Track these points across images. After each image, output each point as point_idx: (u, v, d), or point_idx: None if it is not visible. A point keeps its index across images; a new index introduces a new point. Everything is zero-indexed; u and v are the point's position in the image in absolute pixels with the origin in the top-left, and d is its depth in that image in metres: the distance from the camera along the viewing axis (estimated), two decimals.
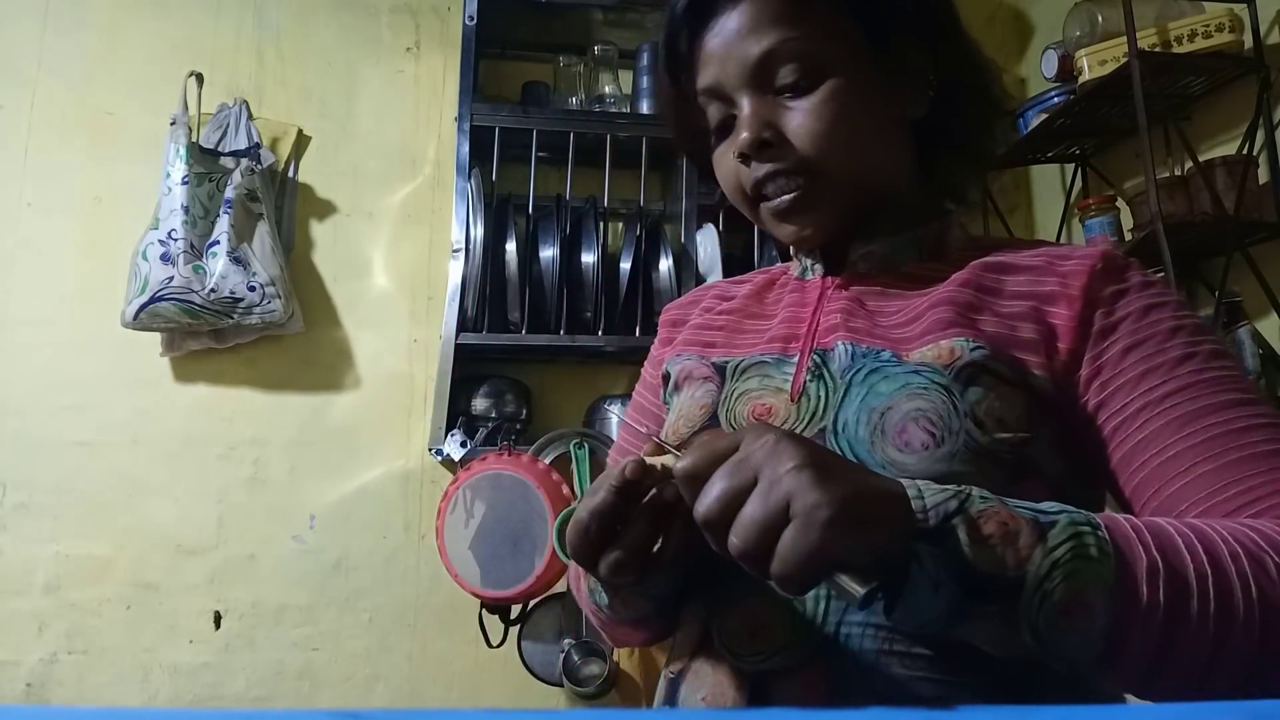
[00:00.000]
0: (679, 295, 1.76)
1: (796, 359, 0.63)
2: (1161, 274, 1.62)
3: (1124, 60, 1.43)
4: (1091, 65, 1.53)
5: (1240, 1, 1.45)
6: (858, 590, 0.42)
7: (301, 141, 1.93)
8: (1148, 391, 0.55)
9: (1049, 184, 2.04)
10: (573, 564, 0.68)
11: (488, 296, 1.72)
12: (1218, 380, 0.54)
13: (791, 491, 0.42)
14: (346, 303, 1.91)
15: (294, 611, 1.78)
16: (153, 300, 1.67)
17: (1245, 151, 1.42)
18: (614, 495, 0.50)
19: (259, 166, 1.81)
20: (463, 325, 1.71)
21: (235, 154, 1.81)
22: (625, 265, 1.75)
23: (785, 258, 0.77)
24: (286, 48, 1.96)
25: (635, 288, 1.72)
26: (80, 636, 1.73)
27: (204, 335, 1.79)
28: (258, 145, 1.84)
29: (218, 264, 1.71)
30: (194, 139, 1.78)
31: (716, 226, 1.76)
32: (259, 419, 1.84)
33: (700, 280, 1.76)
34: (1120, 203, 1.61)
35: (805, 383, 0.61)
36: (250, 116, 1.87)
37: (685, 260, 1.77)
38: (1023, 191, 2.12)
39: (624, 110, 1.85)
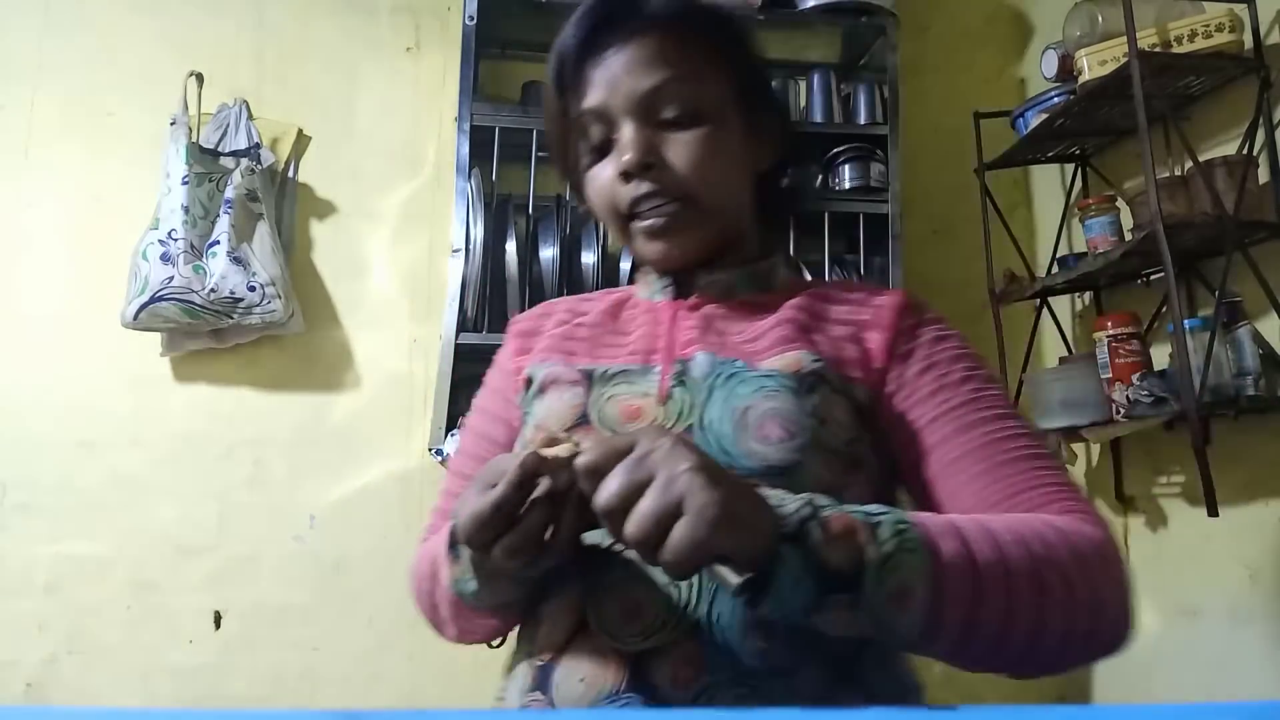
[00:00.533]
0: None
1: (659, 368, 0.71)
2: (1161, 274, 1.62)
3: (1124, 60, 1.43)
4: (1091, 65, 1.53)
5: (1240, 1, 1.45)
6: (735, 580, 0.50)
7: (301, 141, 1.93)
8: (939, 405, 0.68)
9: (1049, 184, 2.04)
10: (424, 558, 0.74)
11: (488, 296, 1.71)
12: (990, 399, 0.68)
13: (685, 490, 0.50)
14: (346, 303, 1.91)
15: (294, 611, 1.78)
16: (153, 300, 1.67)
17: (1245, 151, 1.42)
18: (513, 489, 0.55)
19: (259, 166, 1.81)
20: (463, 325, 1.71)
21: (235, 154, 1.81)
22: (625, 265, 1.75)
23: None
24: (286, 48, 1.96)
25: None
26: (80, 636, 1.73)
27: (204, 335, 1.79)
28: (258, 145, 1.84)
29: (218, 264, 1.71)
30: (194, 139, 1.78)
31: None
32: (259, 419, 1.84)
33: None
34: (1120, 203, 1.61)
35: (671, 388, 0.69)
36: (250, 116, 1.87)
37: None
38: (1022, 191, 2.12)
39: None
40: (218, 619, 1.77)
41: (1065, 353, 1.85)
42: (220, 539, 1.79)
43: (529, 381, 0.76)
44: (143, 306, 1.67)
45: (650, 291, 0.81)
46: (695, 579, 0.60)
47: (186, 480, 1.80)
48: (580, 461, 0.54)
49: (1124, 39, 1.41)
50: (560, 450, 0.56)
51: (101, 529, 1.76)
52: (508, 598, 0.65)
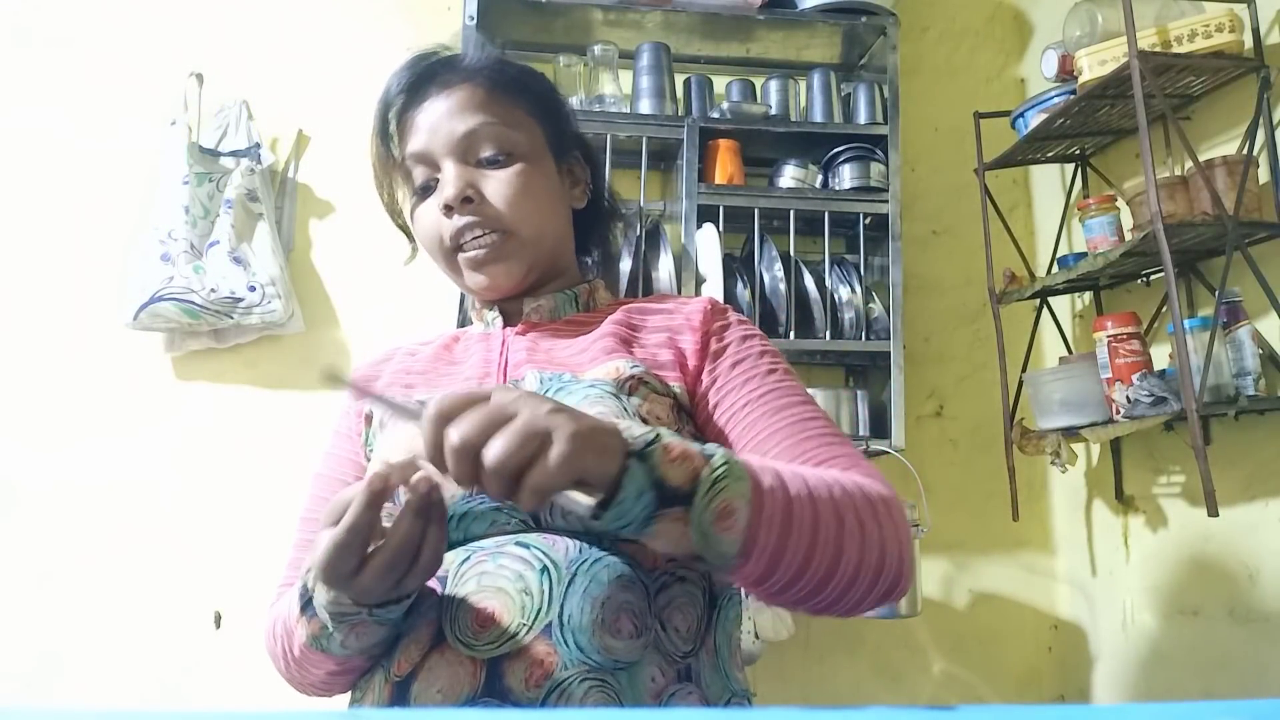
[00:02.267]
0: (679, 295, 1.76)
1: None
2: (1161, 273, 1.62)
3: (1124, 60, 1.43)
4: (1091, 65, 1.53)
5: (1240, 1, 1.45)
6: (586, 505, 0.55)
7: (301, 141, 1.93)
8: (749, 393, 0.77)
9: (1049, 184, 2.04)
10: (278, 621, 0.76)
11: None
12: (790, 387, 0.78)
13: (554, 424, 0.53)
14: (346, 303, 1.91)
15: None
16: (153, 300, 1.67)
17: (1245, 151, 1.41)
18: (367, 509, 0.57)
19: (259, 166, 1.81)
20: (463, 325, 1.71)
21: (235, 154, 1.81)
22: (625, 265, 1.75)
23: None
24: (286, 48, 1.96)
25: (635, 288, 1.73)
26: (80, 636, 1.73)
27: (204, 335, 1.79)
28: (258, 145, 1.84)
29: (218, 264, 1.71)
30: (194, 139, 1.78)
31: (716, 226, 1.76)
32: (259, 419, 1.84)
33: (700, 281, 1.76)
34: (1120, 203, 1.61)
35: None
36: (250, 116, 1.87)
37: (685, 260, 1.77)
38: (1022, 191, 2.12)
39: (624, 110, 1.85)
40: (218, 619, 1.77)
41: (1065, 353, 1.85)
42: (220, 539, 1.79)
43: (369, 419, 0.82)
44: (142, 306, 1.67)
45: (483, 325, 0.88)
46: (544, 584, 0.65)
47: (186, 480, 1.80)
48: (431, 408, 0.53)
49: (1124, 39, 1.41)
50: (403, 462, 0.58)
51: (102, 529, 1.76)
52: (368, 642, 0.67)
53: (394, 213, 0.89)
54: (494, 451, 0.51)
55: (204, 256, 1.72)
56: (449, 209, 0.78)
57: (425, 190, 0.81)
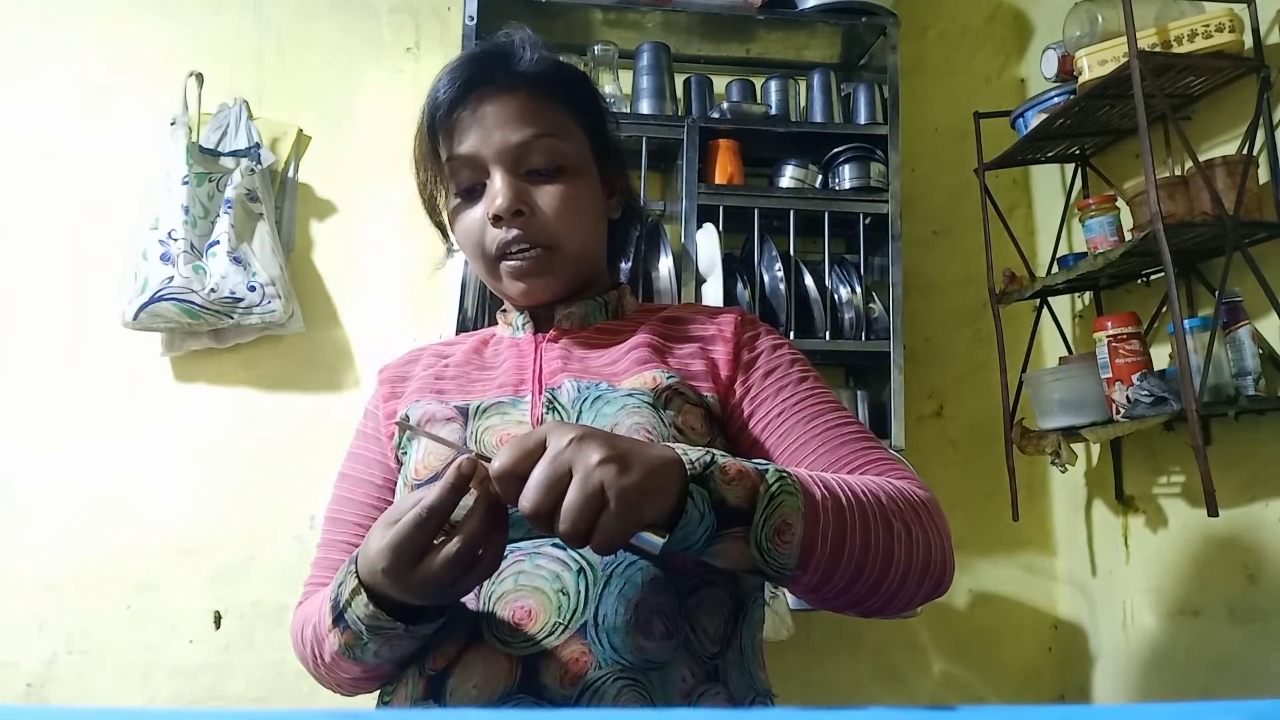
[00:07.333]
0: (679, 296, 1.76)
1: (529, 398, 0.78)
2: (1161, 273, 1.62)
3: (1124, 60, 1.43)
4: (1091, 65, 1.53)
5: (1240, 1, 1.45)
6: (657, 544, 0.56)
7: (301, 141, 1.93)
8: (783, 401, 0.78)
9: (1049, 184, 2.04)
10: (306, 623, 0.77)
11: (488, 297, 1.71)
12: (822, 394, 0.79)
13: (604, 480, 0.54)
14: (346, 303, 1.91)
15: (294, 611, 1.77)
16: (153, 300, 1.67)
17: (1245, 151, 1.41)
18: (451, 491, 0.58)
19: (259, 166, 1.81)
20: (463, 325, 1.71)
21: (235, 154, 1.81)
22: (625, 265, 1.75)
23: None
24: (286, 48, 1.96)
25: (635, 288, 1.72)
26: (80, 636, 1.73)
27: (204, 335, 1.79)
28: (258, 145, 1.83)
29: (218, 264, 1.71)
30: (194, 139, 1.78)
31: (716, 226, 1.76)
32: (259, 419, 1.84)
33: (700, 281, 1.76)
34: (1120, 203, 1.61)
35: (543, 414, 0.75)
36: (250, 116, 1.87)
37: (685, 260, 1.77)
38: (1023, 191, 2.12)
39: (624, 110, 1.85)
40: (218, 619, 1.77)
41: (1065, 353, 1.85)
42: (220, 539, 1.79)
43: (403, 427, 0.81)
44: (143, 306, 1.67)
45: (512, 329, 0.88)
46: (580, 585, 0.67)
47: (186, 480, 1.80)
48: (495, 466, 0.56)
49: (1124, 39, 1.41)
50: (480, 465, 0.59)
51: (101, 529, 1.76)
52: (405, 651, 0.68)
53: (432, 210, 0.88)
54: (562, 525, 0.54)
55: (204, 256, 1.72)
56: (498, 219, 0.78)
57: (470, 194, 0.81)
